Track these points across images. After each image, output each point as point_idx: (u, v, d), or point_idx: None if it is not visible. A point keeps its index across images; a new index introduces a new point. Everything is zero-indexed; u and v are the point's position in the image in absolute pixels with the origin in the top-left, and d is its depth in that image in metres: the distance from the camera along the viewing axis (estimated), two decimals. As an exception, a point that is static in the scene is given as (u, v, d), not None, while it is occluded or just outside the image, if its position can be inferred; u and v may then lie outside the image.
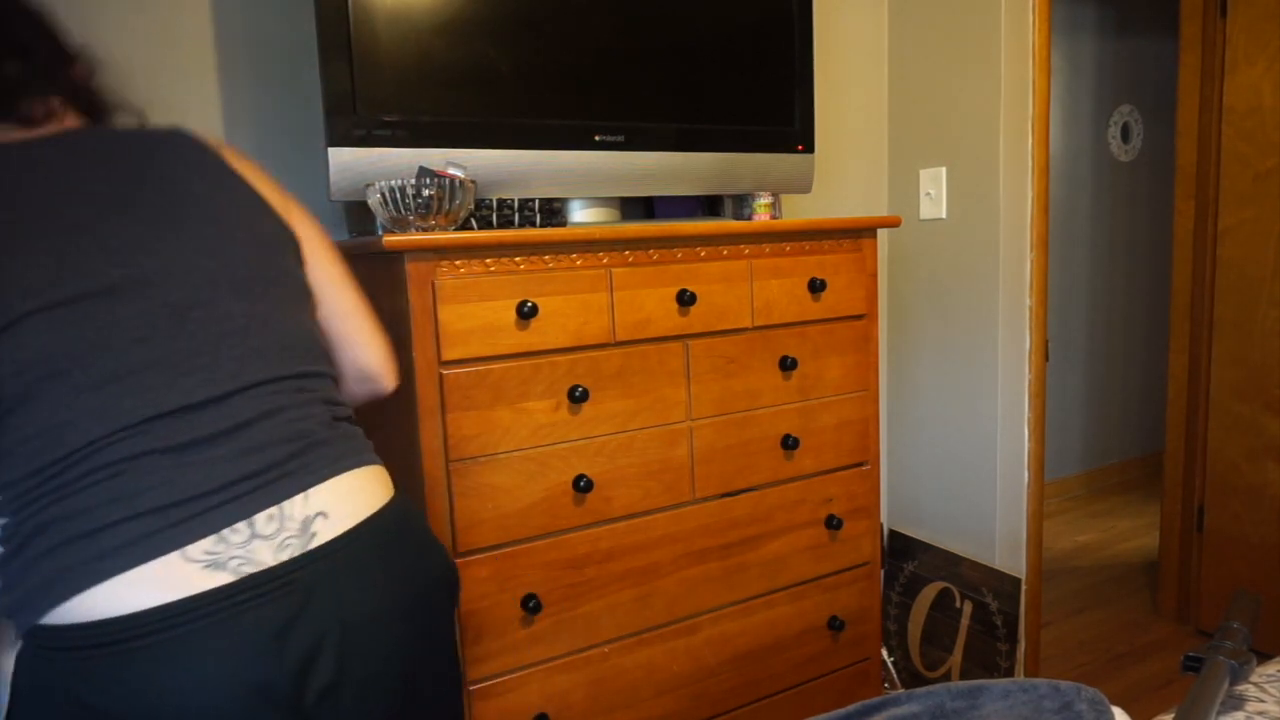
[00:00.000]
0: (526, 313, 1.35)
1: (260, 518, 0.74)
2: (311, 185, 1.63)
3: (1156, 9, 3.76)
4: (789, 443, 1.64)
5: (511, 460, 1.38)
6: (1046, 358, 2.33)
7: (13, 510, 0.75)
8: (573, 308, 1.40)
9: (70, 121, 0.93)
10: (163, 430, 0.74)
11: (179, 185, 0.85)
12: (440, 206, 1.33)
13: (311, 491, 0.78)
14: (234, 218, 0.87)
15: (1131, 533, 3.38)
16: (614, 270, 1.43)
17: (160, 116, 1.50)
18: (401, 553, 0.85)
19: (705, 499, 1.57)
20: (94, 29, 1.44)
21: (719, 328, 1.54)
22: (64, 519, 0.71)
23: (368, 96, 1.39)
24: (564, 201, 1.62)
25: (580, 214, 1.64)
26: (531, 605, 1.40)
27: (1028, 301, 2.03)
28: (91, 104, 0.95)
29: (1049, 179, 2.05)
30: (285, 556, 0.74)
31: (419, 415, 1.30)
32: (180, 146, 0.90)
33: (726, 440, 1.58)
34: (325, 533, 0.77)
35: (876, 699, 1.01)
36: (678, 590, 1.56)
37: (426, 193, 1.31)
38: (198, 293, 0.80)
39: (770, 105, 1.75)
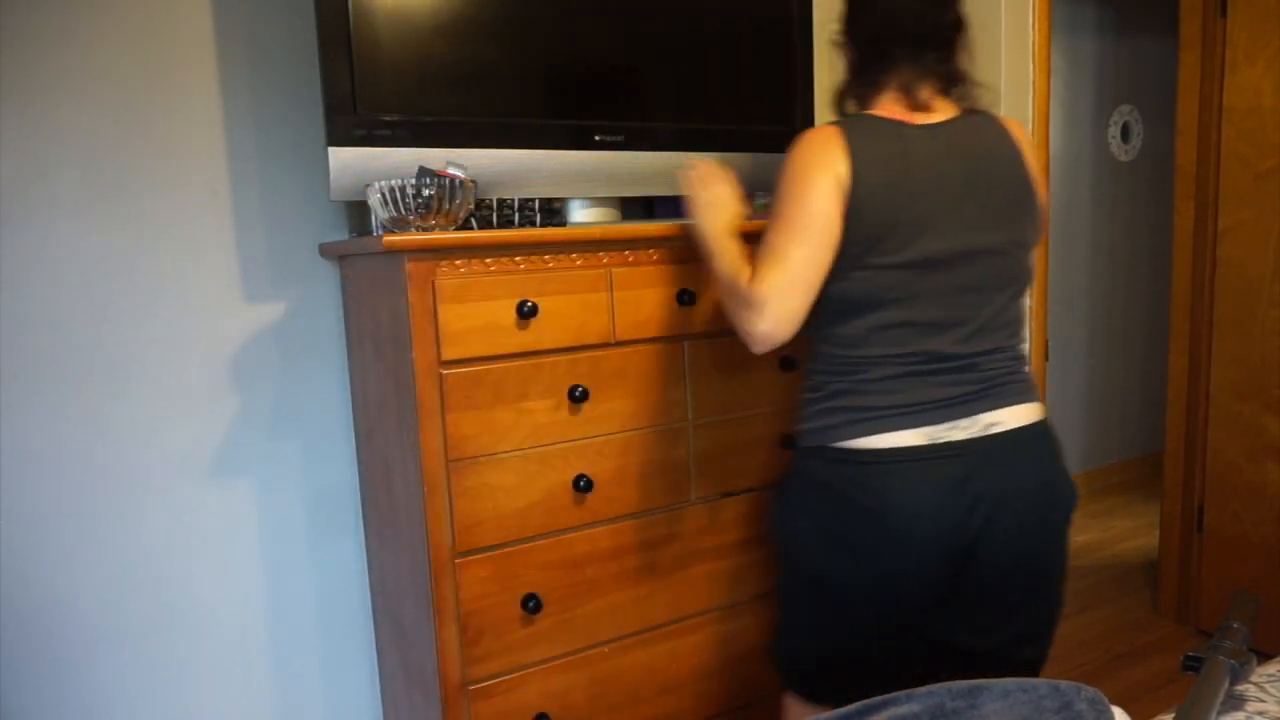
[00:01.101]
0: (526, 312, 1.35)
1: (962, 420, 1.25)
2: (311, 185, 1.63)
3: (1156, 9, 3.76)
4: (789, 443, 1.64)
5: (511, 460, 1.38)
6: (1046, 358, 2.33)
7: (826, 372, 1.31)
8: (573, 307, 1.40)
9: (943, 108, 1.31)
10: (921, 362, 1.25)
11: (996, 189, 1.28)
12: (440, 206, 1.33)
13: (998, 411, 1.27)
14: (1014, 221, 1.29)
15: (1131, 533, 3.38)
16: (614, 270, 1.43)
17: (160, 116, 1.50)
18: (1039, 460, 1.31)
19: (705, 499, 1.57)
20: (94, 28, 1.44)
21: (719, 328, 1.54)
22: (858, 393, 1.27)
23: (368, 96, 1.39)
24: (564, 201, 1.62)
25: (580, 214, 1.64)
26: (531, 605, 1.40)
27: (1028, 301, 2.03)
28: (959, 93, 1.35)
29: (1049, 179, 2.05)
30: (967, 438, 1.25)
31: (419, 415, 1.30)
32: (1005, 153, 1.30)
33: (726, 440, 1.58)
34: (994, 431, 1.26)
35: (877, 699, 1.01)
36: (678, 590, 1.56)
37: (426, 193, 1.31)
38: (982, 281, 1.27)
39: (770, 105, 1.75)
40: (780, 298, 1.22)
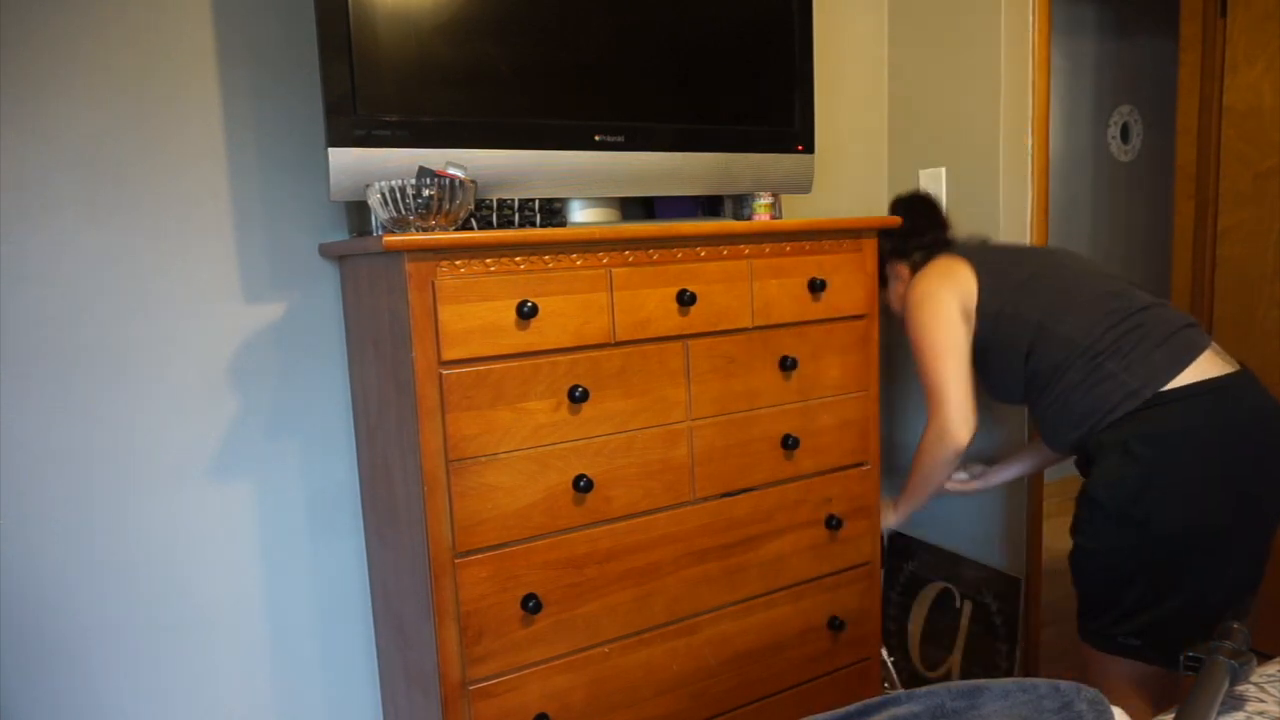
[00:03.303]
0: (527, 313, 1.35)
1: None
2: (311, 185, 1.63)
3: (1156, 9, 3.76)
4: (789, 443, 1.64)
5: (511, 460, 1.38)
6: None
7: (1101, 351, 1.53)
8: (573, 308, 1.40)
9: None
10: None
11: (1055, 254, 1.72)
12: (440, 206, 1.33)
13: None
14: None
15: (1131, 533, 3.36)
16: (614, 270, 1.43)
17: (160, 116, 1.51)
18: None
19: (705, 499, 1.57)
20: (95, 29, 1.44)
21: (719, 328, 1.54)
22: (1142, 347, 1.51)
23: (368, 96, 1.39)
24: (564, 201, 1.61)
25: (580, 214, 1.64)
26: (531, 605, 1.40)
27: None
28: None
29: (1049, 179, 2.05)
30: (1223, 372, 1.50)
31: (419, 415, 1.30)
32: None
33: (726, 440, 1.58)
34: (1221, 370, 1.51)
35: (876, 699, 1.01)
36: (678, 590, 1.56)
37: (426, 193, 1.31)
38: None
39: (770, 105, 1.75)
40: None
